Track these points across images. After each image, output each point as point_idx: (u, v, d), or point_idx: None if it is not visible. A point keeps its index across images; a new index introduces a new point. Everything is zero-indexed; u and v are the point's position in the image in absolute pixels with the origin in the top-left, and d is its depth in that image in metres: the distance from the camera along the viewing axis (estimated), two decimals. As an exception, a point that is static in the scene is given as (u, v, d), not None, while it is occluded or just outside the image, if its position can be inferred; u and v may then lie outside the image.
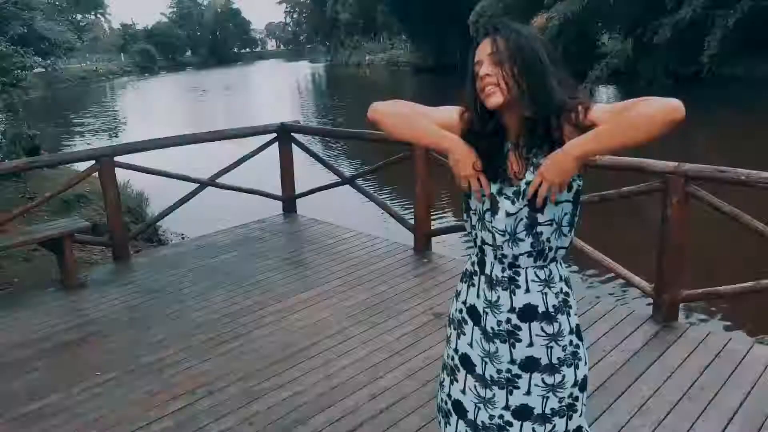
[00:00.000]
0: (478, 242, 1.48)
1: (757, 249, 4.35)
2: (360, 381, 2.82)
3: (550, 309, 1.42)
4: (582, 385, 1.47)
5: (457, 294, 1.57)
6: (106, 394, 2.83)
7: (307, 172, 7.97)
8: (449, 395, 1.57)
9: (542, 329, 1.42)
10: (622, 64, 23.78)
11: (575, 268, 5.66)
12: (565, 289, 1.45)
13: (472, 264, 1.52)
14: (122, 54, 68.78)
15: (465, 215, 1.52)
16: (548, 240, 1.39)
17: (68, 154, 4.94)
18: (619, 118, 1.23)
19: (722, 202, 3.00)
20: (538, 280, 1.41)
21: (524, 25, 1.39)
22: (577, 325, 1.47)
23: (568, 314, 1.44)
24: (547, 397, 1.44)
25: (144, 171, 4.81)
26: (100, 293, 4.05)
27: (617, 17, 25.72)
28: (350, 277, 4.09)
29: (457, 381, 1.54)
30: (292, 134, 5.60)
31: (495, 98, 1.31)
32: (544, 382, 1.43)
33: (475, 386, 1.50)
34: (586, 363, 1.49)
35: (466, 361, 1.52)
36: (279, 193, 5.77)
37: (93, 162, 4.49)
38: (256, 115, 22.24)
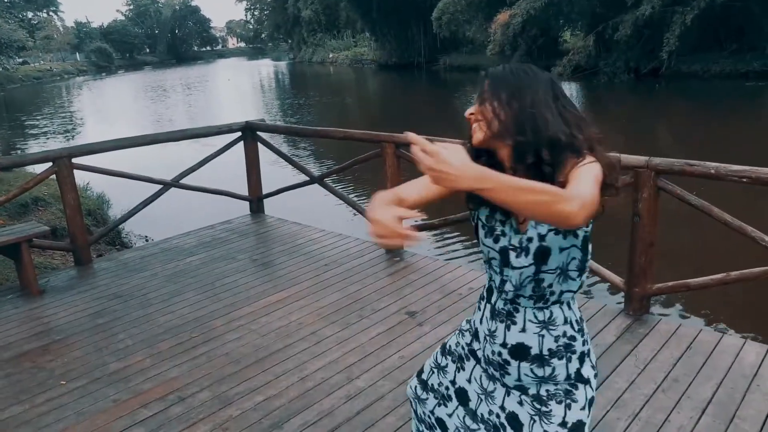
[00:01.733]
0: (488, 271, 1.44)
1: (725, 241, 4.49)
2: (335, 382, 2.78)
3: (545, 352, 1.35)
4: (572, 428, 1.35)
5: (462, 327, 1.58)
6: (71, 404, 2.71)
7: (274, 172, 7.88)
8: (432, 412, 1.59)
9: (531, 371, 1.37)
10: (584, 60, 24.29)
11: None
12: (570, 332, 1.36)
13: (485, 288, 1.49)
14: (77, 53, 66.77)
15: (478, 239, 1.44)
16: (550, 285, 1.33)
17: (23, 157, 4.74)
18: (541, 186, 1.08)
19: (692, 195, 3.06)
20: (536, 321, 1.36)
21: (529, 65, 1.34)
22: (578, 369, 1.37)
23: (568, 360, 1.36)
24: None
25: (103, 172, 4.65)
26: (62, 299, 3.90)
27: (579, 14, 26.23)
28: (322, 278, 4.04)
29: (446, 409, 1.56)
30: (258, 133, 5.51)
31: (476, 135, 1.31)
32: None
33: (464, 417, 1.51)
34: (584, 408, 1.36)
35: (462, 395, 1.53)
36: (245, 193, 5.67)
37: (50, 164, 4.31)
38: (218, 114, 21.89)
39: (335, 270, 4.16)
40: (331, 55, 52.11)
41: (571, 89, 23.00)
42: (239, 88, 35.94)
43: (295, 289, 3.89)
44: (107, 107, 28.64)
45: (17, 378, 2.97)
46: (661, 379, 2.68)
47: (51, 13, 55.44)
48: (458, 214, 4.09)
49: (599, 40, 24.07)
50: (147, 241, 7.95)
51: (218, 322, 3.47)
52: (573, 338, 1.37)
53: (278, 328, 3.35)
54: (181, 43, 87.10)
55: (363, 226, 5.57)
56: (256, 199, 5.63)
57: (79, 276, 4.37)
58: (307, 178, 5.25)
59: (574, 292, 1.37)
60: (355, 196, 7.91)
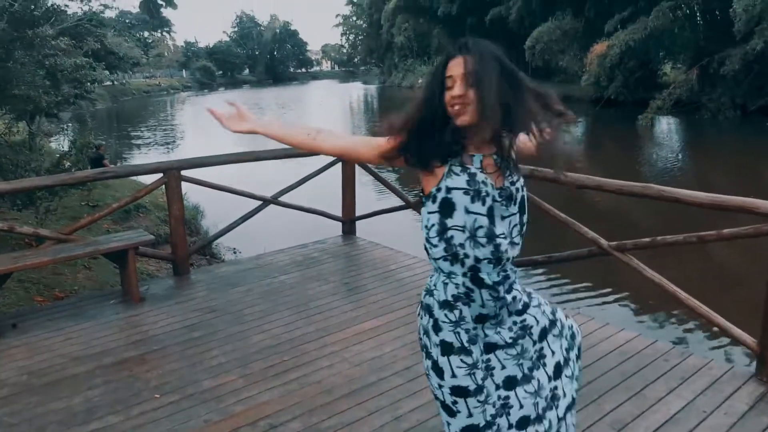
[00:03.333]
0: (469, 263, 1.55)
1: None
2: (432, 427, 2.60)
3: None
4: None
5: (444, 323, 1.62)
6: (165, 419, 2.70)
7: (366, 195, 7.91)
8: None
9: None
10: (686, 94, 22.96)
11: (663, 315, 5.33)
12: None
13: (458, 291, 1.59)
14: (184, 70, 71.51)
15: (438, 240, 1.56)
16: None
17: (137, 167, 4.96)
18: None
19: None
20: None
21: (491, 43, 1.50)
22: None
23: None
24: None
25: (209, 186, 4.76)
26: (160, 309, 3.98)
27: (681, 47, 25.01)
28: (415, 308, 3.88)
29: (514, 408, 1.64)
30: (356, 155, 5.48)
31: (464, 117, 1.44)
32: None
33: (526, 392, 1.66)
34: None
35: (511, 382, 1.64)
36: (338, 213, 5.65)
37: (160, 175, 4.47)
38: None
39: (429, 301, 4.00)
40: (420, 80, 52.59)
41: (671, 124, 21.82)
42: (330, 109, 36.99)
43: (388, 317, 3.76)
44: (207, 122, 30.21)
45: (115, 386, 3.01)
46: (812, 465, 2.30)
47: (164, 33, 59.83)
48: (563, 252, 3.83)
49: (703, 74, 22.72)
50: (235, 254, 8.19)
51: (310, 346, 3.40)
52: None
53: (371, 359, 3.23)
54: (278, 64, 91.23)
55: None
56: (348, 221, 5.60)
57: (177, 286, 4.47)
58: (402, 203, 5.15)
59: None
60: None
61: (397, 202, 5.37)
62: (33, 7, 8.41)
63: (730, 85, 21.41)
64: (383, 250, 5.16)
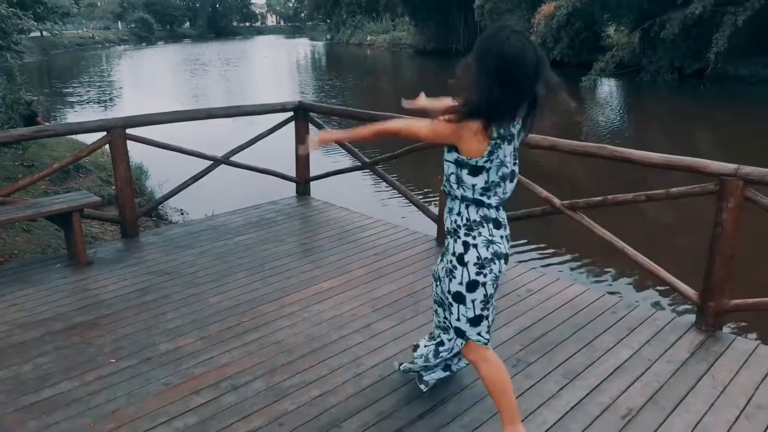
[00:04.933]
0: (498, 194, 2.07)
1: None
2: (393, 382, 2.66)
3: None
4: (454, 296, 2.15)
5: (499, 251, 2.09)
6: (122, 384, 2.65)
7: (319, 155, 7.78)
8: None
9: None
10: (627, 57, 23.52)
11: (612, 270, 5.56)
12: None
13: (489, 211, 2.08)
14: (120, 22, 67.51)
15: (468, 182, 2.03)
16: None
17: (78, 124, 4.69)
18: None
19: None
20: None
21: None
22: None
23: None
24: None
25: (156, 145, 4.58)
26: (110, 272, 3.85)
27: (625, 9, 25.44)
28: (373, 267, 3.92)
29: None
30: (310, 113, 5.38)
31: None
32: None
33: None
34: (461, 283, 2.11)
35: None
36: (292, 174, 5.57)
37: (104, 133, 4.26)
38: (255, 93, 21.90)
39: (387, 260, 4.04)
40: (369, 38, 51.66)
41: (612, 86, 22.41)
42: (276, 66, 35.94)
43: (346, 277, 3.78)
44: (146, 78, 28.89)
45: (67, 352, 2.92)
46: (743, 405, 2.49)
47: (96, -19, 56.05)
48: (518, 211, 3.92)
49: (644, 38, 23.28)
50: (183, 215, 7.97)
51: (269, 306, 3.38)
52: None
53: (331, 317, 3.25)
54: (221, 17, 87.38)
55: (415, 216, 5.47)
56: (303, 182, 5.53)
57: (126, 249, 4.33)
58: (358, 163, 5.12)
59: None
60: (408, 185, 7.78)
61: (352, 163, 5.32)
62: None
63: (669, 49, 22.05)
64: (338, 211, 5.14)
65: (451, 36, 39.83)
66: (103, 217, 4.72)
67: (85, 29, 55.31)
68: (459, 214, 2.08)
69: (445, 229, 2.17)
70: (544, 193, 3.63)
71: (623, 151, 3.14)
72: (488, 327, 2.20)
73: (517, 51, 1.79)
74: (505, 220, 2.14)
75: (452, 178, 2.06)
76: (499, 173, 2.01)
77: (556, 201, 3.57)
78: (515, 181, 2.09)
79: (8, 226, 4.83)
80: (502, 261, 2.11)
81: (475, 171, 1.99)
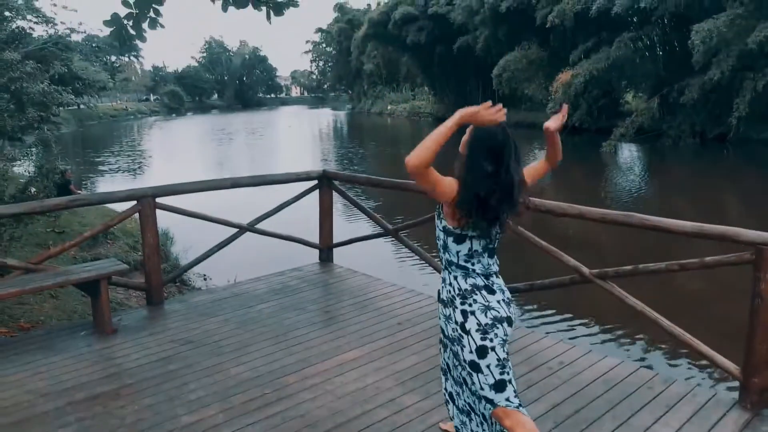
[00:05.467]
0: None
1: None
2: (421, 460, 2.55)
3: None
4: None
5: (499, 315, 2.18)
6: (142, 460, 2.58)
7: (341, 222, 7.86)
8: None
9: None
10: (647, 122, 23.75)
11: (645, 341, 5.38)
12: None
13: (486, 273, 2.22)
14: (151, 95, 70.78)
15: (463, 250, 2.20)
16: None
17: (110, 194, 4.82)
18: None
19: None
20: None
21: None
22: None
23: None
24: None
25: (184, 214, 4.67)
26: (134, 341, 3.84)
27: (643, 76, 25.92)
28: (397, 338, 3.85)
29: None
30: (334, 181, 5.47)
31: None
32: None
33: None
34: (471, 351, 2.14)
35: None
36: (315, 240, 5.59)
37: (134, 202, 4.36)
38: (279, 161, 22.45)
39: (411, 330, 3.96)
40: (389, 107, 53.20)
41: (633, 151, 22.50)
42: (300, 135, 36.99)
43: (369, 348, 3.70)
44: (174, 148, 29.90)
45: (88, 423, 2.87)
46: (798, 492, 2.32)
47: (132, 58, 59.25)
48: (545, 280, 3.86)
49: (663, 103, 23.60)
50: (206, 280, 8.01)
51: (291, 378, 3.31)
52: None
53: (354, 390, 3.16)
54: (247, 89, 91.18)
55: (439, 283, 5.44)
56: (326, 248, 5.54)
57: (151, 317, 4.33)
58: (381, 230, 5.14)
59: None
60: (432, 252, 7.76)
61: (373, 230, 5.34)
62: (-4, 30, 8.24)
63: (690, 114, 22.24)
64: (361, 278, 5.11)
65: (468, 104, 40.20)
66: (130, 284, 4.76)
67: (119, 101, 57.96)
68: (451, 284, 2.21)
69: (443, 298, 2.26)
70: (572, 261, 3.58)
71: (652, 220, 3.10)
72: (514, 392, 2.16)
73: (500, 140, 2.10)
74: (501, 286, 2.24)
75: (440, 244, 2.25)
76: (481, 244, 2.18)
77: (585, 270, 3.51)
78: (495, 257, 2.26)
79: (37, 293, 4.89)
80: (505, 324, 2.17)
81: (459, 239, 2.17)
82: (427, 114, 45.68)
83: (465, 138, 2.21)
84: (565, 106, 2.47)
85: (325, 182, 5.41)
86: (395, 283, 5.00)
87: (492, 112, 2.01)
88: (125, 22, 5.66)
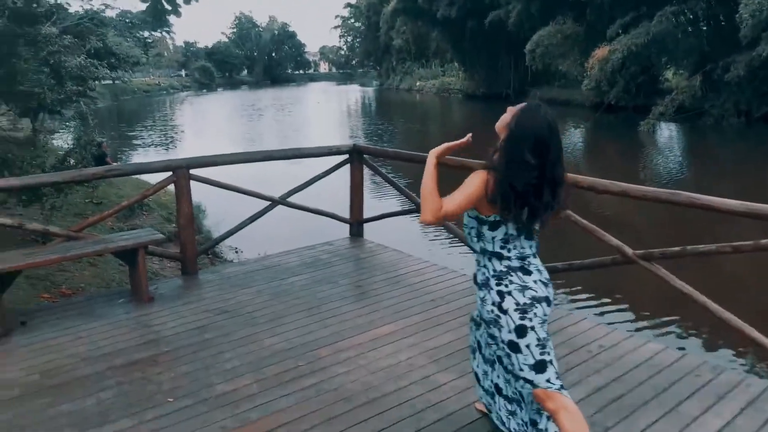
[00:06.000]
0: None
1: None
2: (457, 437, 2.52)
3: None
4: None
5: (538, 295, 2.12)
6: (180, 425, 2.62)
7: (370, 197, 7.83)
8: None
9: None
10: (688, 100, 22.96)
11: (691, 326, 5.24)
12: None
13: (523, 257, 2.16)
14: (183, 70, 71.38)
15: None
16: None
17: (145, 164, 4.87)
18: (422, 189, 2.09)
19: None
20: None
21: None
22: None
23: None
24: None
25: (217, 185, 4.68)
26: (170, 309, 3.90)
27: (685, 52, 24.96)
28: (431, 314, 3.81)
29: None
30: (364, 156, 5.42)
31: None
32: None
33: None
34: (510, 330, 2.08)
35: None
36: (345, 215, 5.57)
37: (169, 173, 4.39)
38: (307, 136, 22.47)
39: (444, 307, 3.92)
40: (418, 83, 52.57)
41: (672, 131, 21.83)
42: (328, 111, 36.93)
43: (403, 323, 3.68)
44: (205, 122, 30.17)
45: (127, 388, 2.93)
46: None
47: (164, 33, 59.71)
48: (585, 260, 3.77)
49: (706, 80, 22.71)
50: (237, 253, 8.11)
51: (325, 351, 3.32)
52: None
53: (388, 366, 3.15)
54: (276, 65, 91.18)
55: (470, 261, 5.39)
56: (356, 223, 5.52)
57: (186, 286, 4.39)
58: (413, 206, 5.08)
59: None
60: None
61: (404, 206, 5.29)
62: (35, 4, 8.33)
63: (734, 92, 21.36)
64: (392, 254, 5.08)
65: (500, 81, 40.03)
66: (165, 254, 4.82)
67: (152, 76, 58.61)
68: (485, 266, 2.17)
69: (478, 282, 2.22)
70: (615, 241, 3.46)
71: (701, 198, 2.96)
72: (556, 373, 2.10)
73: (547, 132, 1.99)
74: (537, 266, 2.17)
75: (473, 233, 2.18)
76: (517, 227, 2.10)
77: (628, 250, 3.39)
78: (534, 238, 2.17)
79: (77, 260, 5.00)
80: (544, 304, 2.11)
81: (494, 225, 2.11)
82: (457, 90, 45.01)
83: (505, 119, 2.07)
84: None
85: (355, 156, 5.36)
86: (427, 259, 4.96)
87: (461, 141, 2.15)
88: (161, -6, 5.66)
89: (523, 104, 2.09)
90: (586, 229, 3.57)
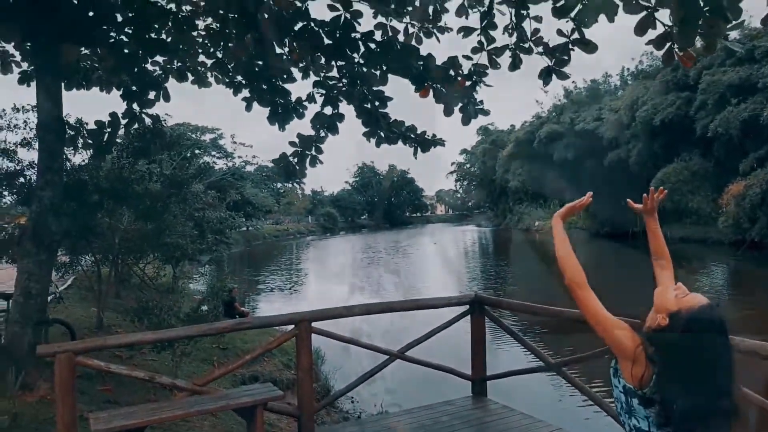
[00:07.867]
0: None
1: None
2: None
3: None
4: None
5: None
6: None
7: (493, 350, 7.42)
8: None
9: None
10: None
11: None
12: None
13: None
14: (309, 216, 77.16)
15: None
16: None
17: (271, 318, 5.06)
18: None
19: None
20: None
21: None
22: None
23: None
24: None
25: (337, 338, 4.67)
26: (284, 474, 3.72)
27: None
28: (569, 498, 3.29)
29: None
30: (486, 307, 5.19)
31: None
32: None
33: None
34: None
35: None
36: (465, 370, 5.24)
37: (292, 326, 4.45)
38: (423, 280, 22.58)
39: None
40: (537, 223, 52.08)
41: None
42: (445, 252, 37.33)
43: (537, 508, 3.19)
44: (326, 267, 31.59)
45: None
46: None
47: (294, 184, 65.91)
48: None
49: None
50: (353, 403, 7.88)
51: None
52: None
53: None
54: (395, 209, 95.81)
55: (607, 428, 4.75)
56: (479, 380, 5.16)
57: (301, 446, 4.22)
58: (541, 363, 4.68)
59: None
60: (597, 390, 6.94)
61: (531, 362, 4.89)
62: (188, 166, 9.58)
63: None
64: (521, 418, 4.61)
65: (625, 219, 38.42)
66: (283, 411, 4.74)
67: (281, 224, 63.74)
68: None
69: None
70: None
71: None
72: None
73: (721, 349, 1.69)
74: None
75: (621, 408, 1.85)
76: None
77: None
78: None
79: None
80: None
81: (647, 402, 1.75)
82: (580, 229, 43.86)
83: (669, 307, 1.78)
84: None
85: (477, 308, 5.15)
86: (560, 426, 4.43)
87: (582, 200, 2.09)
88: (291, 158, 6.22)
89: (698, 297, 1.77)
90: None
